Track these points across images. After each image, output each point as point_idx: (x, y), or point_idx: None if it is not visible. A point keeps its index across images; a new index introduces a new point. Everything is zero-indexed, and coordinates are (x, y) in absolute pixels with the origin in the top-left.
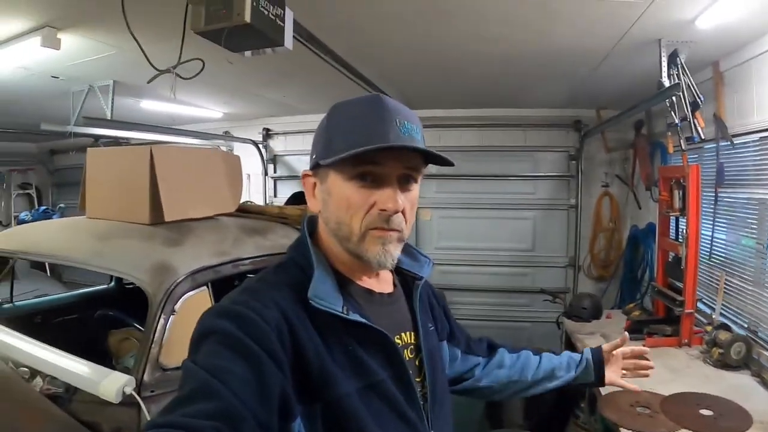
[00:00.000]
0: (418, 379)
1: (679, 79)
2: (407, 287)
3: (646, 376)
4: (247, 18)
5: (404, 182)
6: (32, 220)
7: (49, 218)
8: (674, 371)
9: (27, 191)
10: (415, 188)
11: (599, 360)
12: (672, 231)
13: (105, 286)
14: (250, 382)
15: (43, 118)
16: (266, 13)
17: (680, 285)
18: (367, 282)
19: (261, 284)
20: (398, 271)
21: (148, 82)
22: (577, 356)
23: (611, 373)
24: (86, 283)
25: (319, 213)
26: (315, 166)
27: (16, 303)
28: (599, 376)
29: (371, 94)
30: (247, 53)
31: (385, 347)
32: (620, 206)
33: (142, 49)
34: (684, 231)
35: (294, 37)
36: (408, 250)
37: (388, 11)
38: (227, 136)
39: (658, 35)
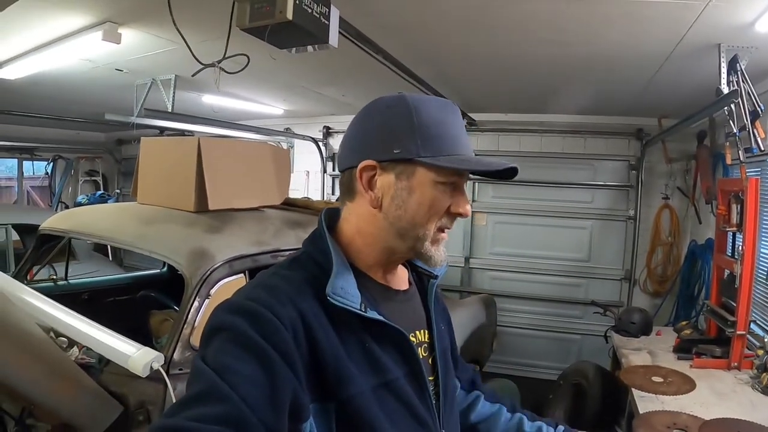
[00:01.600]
0: (430, 378)
1: (738, 86)
2: (422, 285)
3: None
4: (289, 15)
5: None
6: (88, 203)
7: (104, 202)
8: (719, 395)
9: (94, 178)
10: None
11: None
12: (729, 247)
13: (158, 270)
14: (260, 385)
15: (108, 109)
16: (310, 10)
17: (734, 304)
18: (385, 279)
19: (276, 279)
20: (413, 269)
21: (193, 75)
22: None
23: None
24: (144, 268)
25: (377, 208)
26: (394, 159)
27: (70, 281)
28: None
29: (445, 100)
30: (292, 50)
31: (401, 345)
32: (680, 220)
33: (187, 44)
34: (740, 247)
35: (342, 34)
36: None
37: (443, 13)
38: (288, 132)
39: (717, 39)
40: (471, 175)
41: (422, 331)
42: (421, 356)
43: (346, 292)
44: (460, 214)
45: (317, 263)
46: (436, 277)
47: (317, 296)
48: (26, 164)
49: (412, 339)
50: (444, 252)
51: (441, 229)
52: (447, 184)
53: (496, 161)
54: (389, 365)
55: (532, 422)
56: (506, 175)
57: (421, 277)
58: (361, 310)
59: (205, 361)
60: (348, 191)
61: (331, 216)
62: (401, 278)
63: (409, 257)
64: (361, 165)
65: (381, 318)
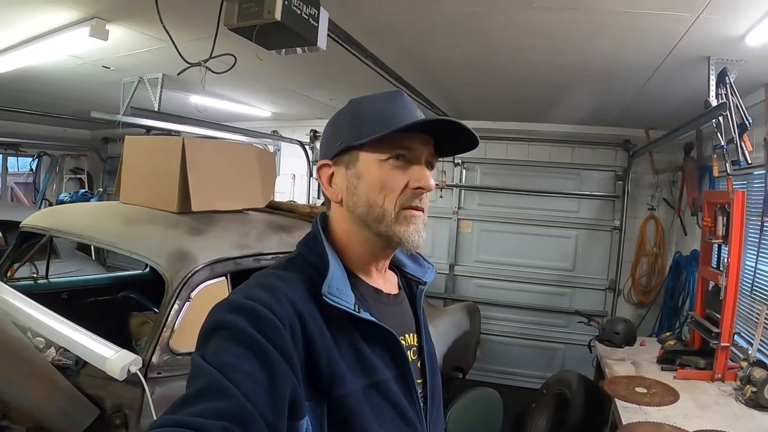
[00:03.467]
0: (419, 381)
1: (727, 99)
2: (410, 291)
3: None
4: (278, 16)
5: (428, 166)
6: (71, 201)
7: (87, 201)
8: (702, 407)
9: (78, 176)
10: (432, 175)
11: None
12: (714, 259)
13: (140, 271)
14: (260, 382)
15: (95, 107)
16: (299, 12)
17: (718, 316)
18: (376, 281)
19: (273, 279)
20: (401, 275)
21: (179, 74)
22: None
23: None
24: (127, 268)
25: (339, 202)
26: (340, 153)
27: (51, 280)
28: None
29: (391, 90)
30: (281, 52)
31: (392, 347)
32: (665, 231)
33: (173, 42)
34: (725, 260)
35: (331, 37)
36: (413, 255)
37: (432, 19)
38: (275, 135)
39: (707, 52)
40: (447, 178)
41: (411, 335)
42: (410, 359)
43: (341, 292)
44: (421, 188)
45: (312, 265)
46: (424, 283)
47: (312, 296)
48: (11, 160)
49: (402, 342)
50: (418, 233)
51: (407, 208)
52: (394, 160)
53: (418, 117)
54: (379, 366)
55: None
56: (468, 143)
57: (410, 283)
58: (355, 310)
59: (205, 358)
60: (324, 195)
61: (325, 219)
62: (391, 282)
63: (385, 246)
64: (317, 165)
65: (373, 319)
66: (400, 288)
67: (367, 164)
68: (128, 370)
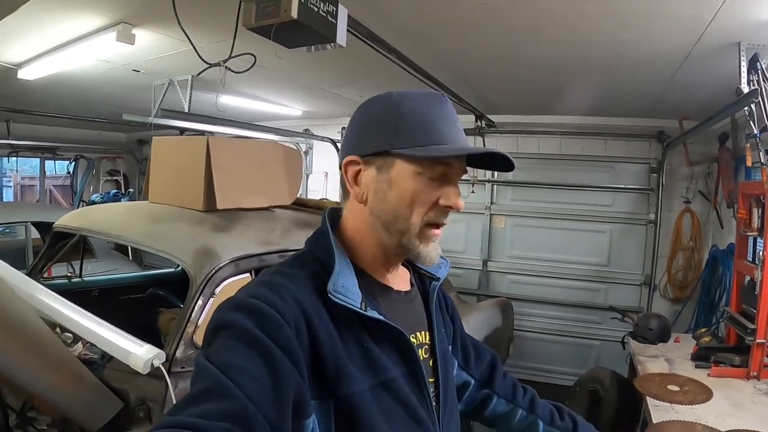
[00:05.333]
0: (431, 380)
1: (759, 85)
2: (423, 287)
3: None
4: (294, 14)
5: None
6: (102, 202)
7: (118, 201)
8: (737, 405)
9: (115, 178)
10: None
11: None
12: (750, 252)
13: (171, 269)
14: (264, 382)
15: (128, 110)
16: (316, 9)
17: (754, 311)
18: (387, 279)
19: (278, 276)
20: (415, 270)
21: (198, 75)
22: None
23: None
24: (165, 266)
25: (363, 202)
26: (374, 153)
27: (84, 279)
28: None
29: (432, 91)
30: (304, 49)
31: (401, 345)
32: (701, 224)
33: (192, 44)
34: (761, 252)
35: (352, 33)
36: None
37: (456, 14)
38: (306, 134)
39: (737, 38)
40: (479, 173)
41: (423, 332)
42: (422, 357)
43: (347, 290)
44: (450, 207)
45: (320, 261)
46: (438, 279)
47: (319, 294)
48: (48, 164)
49: (413, 340)
50: (436, 250)
51: (431, 225)
52: (431, 176)
53: (474, 146)
54: (387, 365)
55: (548, 426)
56: (505, 166)
57: (423, 279)
58: (361, 308)
59: (209, 358)
60: (343, 189)
61: (334, 215)
62: (403, 279)
63: (401, 254)
64: (345, 161)
65: (381, 317)
66: (412, 284)
67: (401, 174)
68: (152, 364)
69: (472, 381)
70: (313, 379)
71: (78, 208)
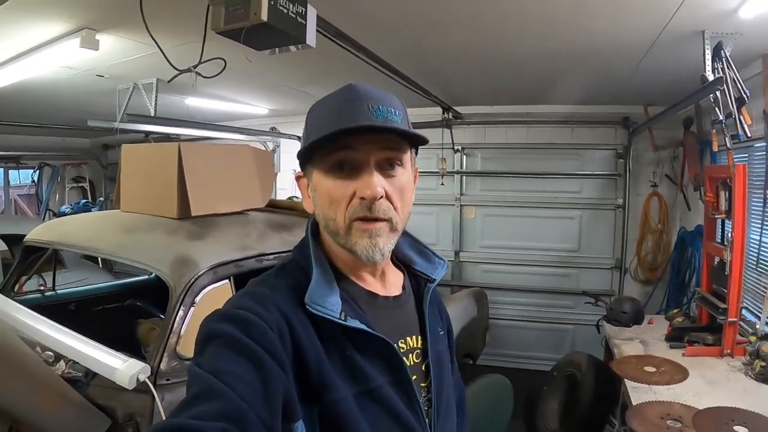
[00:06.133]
0: (423, 384)
1: (723, 73)
2: (418, 290)
3: None
4: (264, 17)
5: (387, 167)
6: (72, 213)
7: (88, 211)
8: (712, 383)
9: (81, 184)
10: (402, 173)
11: None
12: (718, 234)
13: (145, 277)
14: (254, 384)
15: (92, 115)
16: (285, 11)
17: (725, 291)
18: (371, 284)
19: (262, 287)
20: (410, 272)
21: (169, 81)
22: None
23: None
24: (135, 275)
25: (313, 212)
26: (302, 167)
27: (58, 291)
28: None
29: (345, 85)
30: (270, 51)
31: (385, 353)
32: (669, 207)
33: (160, 49)
34: (729, 234)
35: (320, 33)
36: (423, 252)
37: (424, 9)
38: (273, 132)
39: (701, 27)
40: (448, 165)
41: (414, 337)
42: (412, 362)
43: (325, 300)
44: (362, 198)
45: (303, 270)
46: (433, 281)
47: (302, 303)
48: (12, 173)
49: (402, 345)
50: (375, 246)
51: (357, 219)
52: (336, 170)
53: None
54: (371, 374)
55: None
56: (411, 138)
57: (418, 282)
58: (340, 318)
59: (201, 366)
60: None
61: (318, 223)
62: (392, 283)
63: (350, 255)
64: (295, 177)
65: (362, 326)
66: (404, 288)
67: (317, 178)
68: (137, 378)
69: None
70: (298, 385)
71: (44, 216)
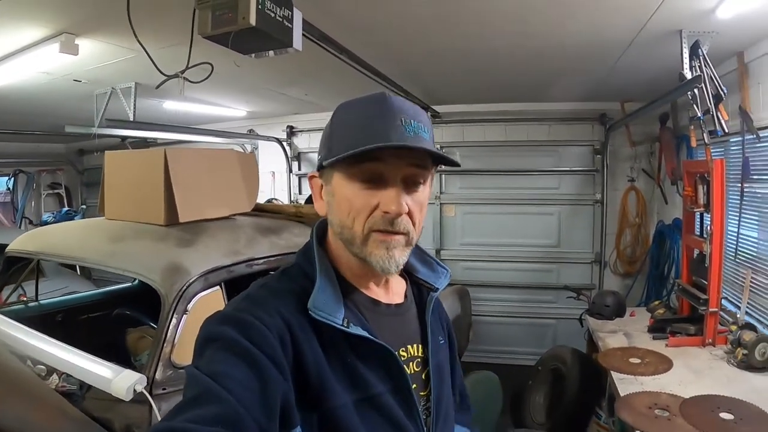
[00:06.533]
0: (423, 393)
1: (701, 71)
2: (421, 298)
3: None
4: (252, 21)
5: (410, 184)
6: (55, 221)
7: (71, 219)
8: (696, 372)
9: (56, 191)
10: (423, 189)
11: None
12: (697, 227)
13: (129, 284)
14: (252, 388)
15: (69, 120)
16: (273, 15)
17: (705, 283)
18: (374, 291)
19: (264, 291)
20: (413, 281)
21: (157, 87)
22: None
23: None
24: (115, 281)
25: (325, 215)
26: (320, 167)
27: (41, 301)
28: None
29: (377, 93)
30: (255, 55)
31: (386, 360)
32: (647, 201)
33: (149, 55)
34: (708, 227)
35: (305, 36)
36: (426, 260)
37: (403, 8)
38: (251, 134)
39: (679, 26)
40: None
41: (415, 345)
42: (412, 371)
43: (328, 306)
44: (386, 212)
45: (306, 275)
46: (436, 290)
47: (303, 309)
48: None
49: (402, 353)
50: (388, 257)
51: (378, 231)
52: (362, 178)
53: (398, 138)
54: (372, 381)
55: None
56: (444, 160)
57: (421, 290)
58: (343, 325)
59: (199, 369)
60: None
61: (323, 227)
62: (395, 291)
63: (362, 263)
64: (308, 176)
65: (364, 333)
66: (406, 296)
67: (338, 183)
68: (134, 389)
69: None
70: (298, 391)
71: (20, 224)
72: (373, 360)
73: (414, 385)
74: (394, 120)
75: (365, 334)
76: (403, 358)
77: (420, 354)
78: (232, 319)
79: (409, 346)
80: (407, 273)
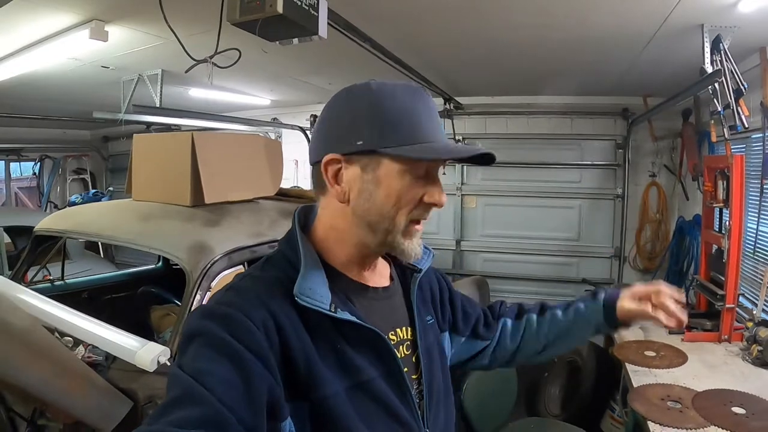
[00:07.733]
0: (414, 376)
1: (722, 65)
2: (405, 280)
3: (673, 326)
4: (280, 9)
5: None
6: (82, 203)
7: (98, 201)
8: (711, 367)
9: (81, 176)
10: None
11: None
12: (716, 223)
13: (153, 266)
14: (235, 385)
15: (96, 107)
16: (299, 3)
17: (722, 279)
18: (362, 276)
19: (248, 281)
20: (396, 262)
21: (186, 72)
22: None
23: (627, 302)
24: (137, 264)
25: (345, 202)
26: (361, 152)
27: (67, 281)
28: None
29: (410, 85)
30: (282, 43)
31: (377, 345)
32: (667, 197)
33: (179, 41)
34: (727, 223)
35: (330, 25)
36: None
37: (427, 3)
38: (275, 123)
39: (701, 20)
40: (453, 161)
41: (404, 328)
42: (403, 354)
43: (314, 292)
44: (435, 204)
45: (290, 262)
46: (420, 271)
47: (288, 296)
48: (13, 165)
49: (392, 337)
50: (419, 245)
51: (415, 221)
52: (417, 174)
53: (465, 148)
54: (363, 366)
55: (563, 312)
56: (484, 160)
57: (404, 272)
58: (330, 310)
59: (182, 367)
60: (318, 186)
61: (306, 213)
62: (381, 274)
63: (382, 251)
64: (325, 159)
65: (352, 318)
66: (392, 279)
67: (388, 173)
68: (158, 361)
69: (487, 343)
70: (286, 383)
71: (45, 208)
72: (362, 345)
73: (405, 369)
74: (435, 117)
75: (353, 318)
76: (393, 342)
77: (409, 337)
78: (214, 313)
79: (399, 330)
80: (390, 256)
